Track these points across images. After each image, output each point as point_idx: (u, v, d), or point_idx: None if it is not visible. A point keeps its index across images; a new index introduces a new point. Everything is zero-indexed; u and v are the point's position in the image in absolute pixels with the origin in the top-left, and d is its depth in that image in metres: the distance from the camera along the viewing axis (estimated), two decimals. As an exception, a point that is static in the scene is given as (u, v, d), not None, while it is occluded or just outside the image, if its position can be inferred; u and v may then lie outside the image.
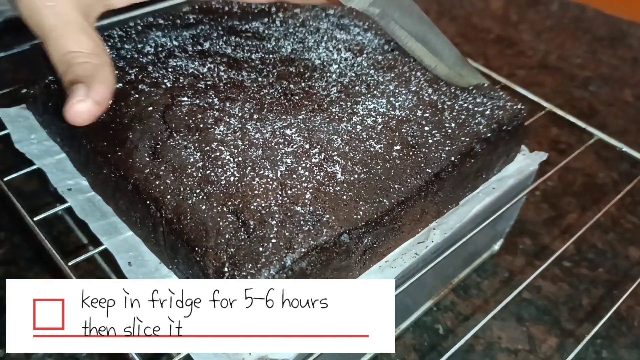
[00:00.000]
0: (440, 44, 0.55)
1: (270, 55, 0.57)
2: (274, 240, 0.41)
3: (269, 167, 0.46)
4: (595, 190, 0.80)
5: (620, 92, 1.00)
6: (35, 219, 0.48)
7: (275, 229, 0.41)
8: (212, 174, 0.45)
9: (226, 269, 0.40)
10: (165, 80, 0.53)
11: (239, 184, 0.44)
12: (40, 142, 0.55)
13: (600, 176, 0.82)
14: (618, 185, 0.81)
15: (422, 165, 0.47)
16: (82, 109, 0.42)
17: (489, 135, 0.51)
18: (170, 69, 0.54)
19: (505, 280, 0.67)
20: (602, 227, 0.75)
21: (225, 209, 0.43)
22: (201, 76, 0.54)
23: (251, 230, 0.41)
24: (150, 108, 0.50)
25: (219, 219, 0.42)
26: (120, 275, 0.47)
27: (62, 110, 0.42)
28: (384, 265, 0.47)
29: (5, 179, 0.51)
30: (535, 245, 0.72)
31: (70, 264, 0.46)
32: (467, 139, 0.50)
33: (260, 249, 0.40)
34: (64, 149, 0.54)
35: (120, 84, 0.52)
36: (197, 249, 0.42)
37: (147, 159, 0.47)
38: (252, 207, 0.43)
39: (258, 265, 0.40)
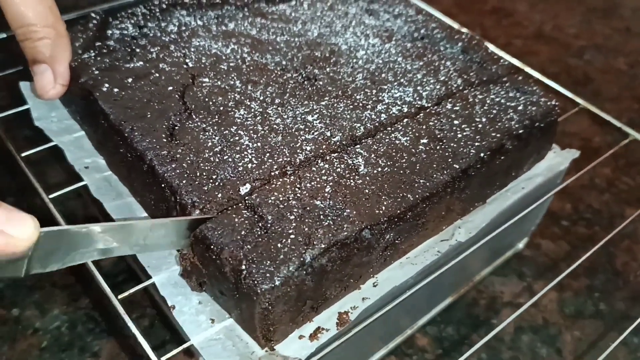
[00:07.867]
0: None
1: (296, 39, 0.49)
2: (292, 236, 0.34)
3: (288, 154, 0.38)
4: (591, 154, 0.72)
5: (614, 60, 0.91)
6: (50, 196, 0.41)
7: (293, 224, 0.34)
8: (230, 159, 0.38)
9: (244, 267, 0.32)
10: (187, 60, 0.45)
11: (257, 172, 0.37)
12: (60, 120, 0.47)
13: (595, 140, 0.74)
14: (613, 149, 0.73)
15: (450, 160, 0.39)
16: (53, 95, 0.44)
17: (520, 131, 0.42)
18: (192, 49, 0.46)
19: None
20: (597, 188, 0.67)
21: (241, 204, 0.35)
22: (224, 57, 0.46)
23: (269, 225, 0.34)
24: (170, 88, 0.43)
25: (234, 216, 0.35)
26: (133, 258, 0.40)
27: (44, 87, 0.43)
28: (404, 262, 0.40)
29: (22, 155, 0.44)
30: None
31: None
32: (498, 135, 0.42)
33: (279, 245, 0.33)
34: (83, 127, 0.46)
35: (141, 62, 0.45)
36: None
37: (164, 140, 0.39)
38: (270, 200, 0.35)
39: (276, 263, 0.32)
